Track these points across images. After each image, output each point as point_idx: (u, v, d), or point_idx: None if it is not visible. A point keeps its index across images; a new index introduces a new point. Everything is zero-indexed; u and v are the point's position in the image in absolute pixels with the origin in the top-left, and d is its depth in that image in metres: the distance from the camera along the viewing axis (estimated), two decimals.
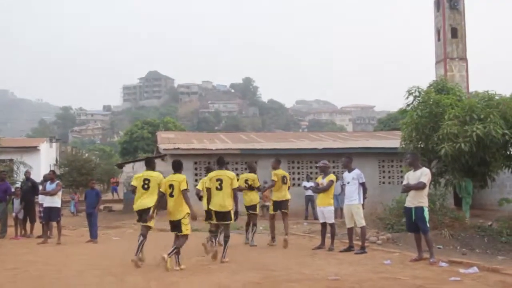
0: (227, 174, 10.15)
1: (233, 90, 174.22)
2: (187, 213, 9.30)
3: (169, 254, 8.98)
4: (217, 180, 10.01)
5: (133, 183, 10.23)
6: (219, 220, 10.23)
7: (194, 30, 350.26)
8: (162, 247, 10.77)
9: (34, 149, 41.60)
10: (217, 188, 9.97)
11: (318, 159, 23.90)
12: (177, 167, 9.64)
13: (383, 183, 24.06)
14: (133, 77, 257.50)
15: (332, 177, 11.66)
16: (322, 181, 11.68)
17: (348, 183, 11.18)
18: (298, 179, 23.55)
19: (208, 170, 11.28)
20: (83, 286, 7.64)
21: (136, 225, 19.79)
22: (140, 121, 64.59)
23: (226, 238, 9.97)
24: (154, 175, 10.09)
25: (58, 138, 57.09)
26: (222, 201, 9.90)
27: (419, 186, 9.39)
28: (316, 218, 20.71)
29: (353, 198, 10.98)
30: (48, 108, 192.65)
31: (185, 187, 9.25)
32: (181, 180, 9.27)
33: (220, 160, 10.58)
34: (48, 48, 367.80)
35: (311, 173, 23.30)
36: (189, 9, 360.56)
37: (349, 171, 11.23)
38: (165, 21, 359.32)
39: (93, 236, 14.20)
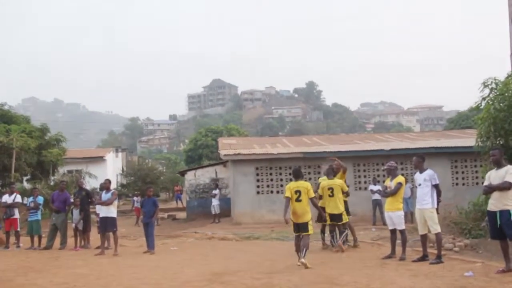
0: (304, 185, 10.44)
1: (296, 95, 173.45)
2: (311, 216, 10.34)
3: (304, 256, 9.81)
4: (296, 192, 10.36)
5: (286, 194, 10.55)
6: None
7: (255, 36, 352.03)
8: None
9: (100, 159, 42.46)
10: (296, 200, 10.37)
11: (385, 161, 22.57)
12: (299, 175, 10.60)
13: (457, 184, 22.43)
14: (198, 85, 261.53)
15: (400, 179, 10.60)
16: (390, 183, 10.64)
17: (419, 185, 10.06)
18: (365, 182, 22.39)
19: (295, 173, 10.85)
20: None
21: (197, 234, 19.41)
22: (204, 129, 64.77)
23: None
24: (304, 185, 10.48)
25: (124, 148, 58.16)
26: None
27: (505, 186, 8.19)
28: (384, 223, 19.65)
29: (425, 202, 9.85)
30: (117, 119, 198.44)
31: (313, 195, 10.42)
32: (308, 187, 10.31)
33: (296, 172, 10.77)
34: (114, 61, 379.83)
35: (378, 176, 22.06)
36: (249, 15, 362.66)
37: (421, 172, 10.12)
38: (226, 29, 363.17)
39: (150, 246, 13.69)
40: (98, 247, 14.15)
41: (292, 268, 9.80)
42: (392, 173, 10.72)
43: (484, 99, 15.25)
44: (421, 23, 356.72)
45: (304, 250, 10.00)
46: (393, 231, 10.66)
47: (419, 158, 10.29)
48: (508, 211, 8.16)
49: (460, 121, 52.32)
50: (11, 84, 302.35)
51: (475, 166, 22.22)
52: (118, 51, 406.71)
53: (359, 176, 22.51)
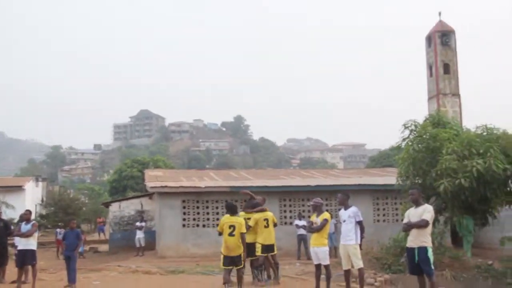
0: (238, 221, 10.95)
1: (224, 129, 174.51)
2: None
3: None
4: (230, 226, 10.78)
5: (219, 228, 11.06)
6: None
7: (184, 70, 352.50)
8: None
9: (19, 188, 40.69)
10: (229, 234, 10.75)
11: (310, 196, 23.08)
12: (234, 210, 11.15)
13: (378, 221, 23.21)
14: (124, 115, 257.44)
15: (326, 215, 10.89)
16: (316, 219, 10.90)
17: (344, 221, 10.40)
18: (290, 217, 22.71)
19: (231, 208, 11.33)
20: None
21: (120, 268, 18.93)
22: (129, 160, 63.73)
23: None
24: (238, 221, 10.93)
25: (44, 177, 56.04)
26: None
27: (422, 224, 8.66)
28: (309, 258, 19.98)
29: (349, 238, 10.19)
30: (39, 147, 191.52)
31: (245, 231, 10.88)
32: (242, 223, 10.85)
33: (231, 207, 11.30)
34: (39, 88, 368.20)
35: (303, 211, 22.49)
36: (178, 49, 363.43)
37: (345, 209, 10.48)
38: (156, 62, 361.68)
39: (71, 280, 13.19)
40: (13, 282, 13.48)
41: None
42: (318, 209, 10.99)
43: (404, 139, 16.11)
44: (346, 65, 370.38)
45: (241, 284, 10.92)
46: (318, 266, 10.87)
47: (344, 195, 10.66)
48: (425, 247, 8.62)
49: (381, 160, 54.46)
50: None
51: (395, 203, 23.10)
52: (43, 79, 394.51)
53: (285, 211, 22.83)
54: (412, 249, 8.81)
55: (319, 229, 10.73)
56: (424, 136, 15.24)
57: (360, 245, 10.31)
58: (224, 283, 10.73)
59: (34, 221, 13.49)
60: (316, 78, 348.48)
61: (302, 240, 20.71)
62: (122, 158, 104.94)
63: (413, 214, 8.98)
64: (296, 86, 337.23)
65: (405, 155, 15.27)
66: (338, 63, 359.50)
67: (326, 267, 10.75)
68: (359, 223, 10.29)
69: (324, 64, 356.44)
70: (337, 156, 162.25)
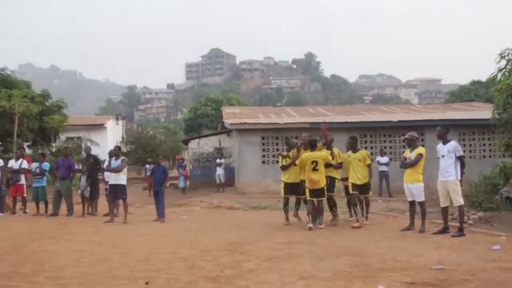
0: (321, 155, 11.11)
1: (295, 66, 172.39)
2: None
3: (321, 222, 11.21)
4: (313, 162, 10.93)
5: (299, 163, 11.24)
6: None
7: (255, 6, 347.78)
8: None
9: (101, 126, 42.10)
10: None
11: (392, 132, 22.49)
12: (314, 145, 11.23)
13: (464, 157, 22.26)
14: (196, 54, 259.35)
15: (421, 150, 10.33)
16: (410, 154, 10.37)
17: (442, 156, 9.80)
18: (371, 153, 22.11)
19: (312, 143, 11.36)
20: (150, 272, 6.78)
21: (203, 203, 19.25)
22: (203, 98, 64.27)
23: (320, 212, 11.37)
24: (321, 156, 11.08)
25: (124, 116, 57.71)
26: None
27: None
28: (390, 195, 19.57)
29: (449, 174, 9.62)
30: (114, 87, 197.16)
31: (331, 161, 11.35)
32: (324, 157, 11.05)
33: (312, 142, 11.31)
34: (112, 28, 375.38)
35: (385, 147, 21.90)
36: None
37: (444, 143, 9.87)
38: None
39: (160, 214, 13.50)
40: (106, 215, 13.96)
41: (310, 238, 9.64)
42: (412, 144, 10.45)
43: (500, 70, 14.92)
44: None
45: (320, 217, 11.27)
46: (412, 203, 10.45)
47: (443, 128, 10.03)
48: None
49: (461, 94, 51.96)
50: (7, 50, 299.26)
51: (483, 139, 22.11)
52: (115, 18, 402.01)
53: (366, 148, 22.22)
54: None
55: (413, 164, 10.23)
56: None
57: (461, 181, 9.74)
58: (308, 214, 11.03)
59: (123, 157, 13.72)
60: (389, 11, 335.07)
61: (384, 176, 20.31)
62: (195, 97, 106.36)
63: None
64: (367, 20, 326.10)
65: (503, 86, 14.17)
66: None
67: (421, 204, 10.29)
68: (460, 158, 9.71)
69: None
70: (411, 92, 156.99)
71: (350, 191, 11.53)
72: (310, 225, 10.80)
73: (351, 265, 6.98)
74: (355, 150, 11.77)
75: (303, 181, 11.42)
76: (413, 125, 21.19)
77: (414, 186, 10.29)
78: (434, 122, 21.75)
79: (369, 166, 11.62)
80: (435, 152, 10.18)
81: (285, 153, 12.20)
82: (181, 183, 27.06)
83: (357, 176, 11.40)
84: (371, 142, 22.51)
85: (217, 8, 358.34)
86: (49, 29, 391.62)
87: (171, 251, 8.41)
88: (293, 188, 11.85)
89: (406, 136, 10.63)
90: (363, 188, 11.46)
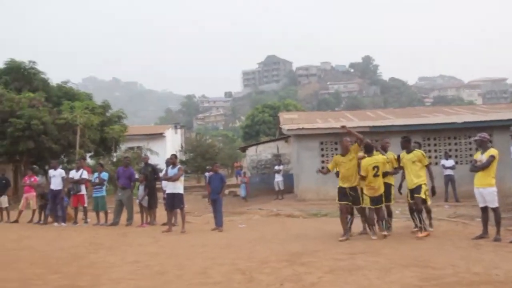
0: (380, 160, 10.50)
1: (352, 70, 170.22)
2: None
3: (384, 227, 10.45)
4: (374, 167, 10.33)
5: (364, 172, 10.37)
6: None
7: (311, 11, 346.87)
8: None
9: (160, 136, 42.68)
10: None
11: (457, 134, 21.50)
12: (371, 150, 10.52)
13: None
14: (252, 62, 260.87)
15: (493, 152, 9.58)
16: (481, 157, 9.67)
17: None
18: (435, 157, 21.26)
19: (368, 148, 10.63)
20: (207, 286, 6.49)
21: (262, 211, 18.93)
22: (260, 105, 64.38)
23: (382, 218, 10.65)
24: (381, 160, 10.50)
25: (182, 125, 58.40)
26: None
27: None
28: (457, 200, 18.65)
29: None
30: (173, 97, 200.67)
31: (388, 169, 10.67)
32: (384, 162, 10.49)
33: (368, 146, 10.62)
34: (170, 40, 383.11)
35: (449, 150, 20.94)
36: None
37: None
38: (281, 5, 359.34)
39: (218, 223, 13.27)
40: (164, 224, 13.85)
41: (375, 247, 9.10)
42: (483, 146, 9.74)
43: None
44: None
45: (383, 221, 10.55)
46: (484, 209, 9.69)
47: None
48: None
49: None
50: (72, 64, 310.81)
51: None
52: (173, 30, 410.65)
53: (429, 151, 21.38)
54: None
55: (485, 166, 9.52)
56: None
57: None
58: (370, 224, 10.57)
59: (180, 166, 13.59)
60: (447, 12, 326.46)
61: (450, 181, 19.45)
62: (252, 104, 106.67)
63: None
64: (425, 22, 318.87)
65: None
66: None
67: (495, 210, 9.55)
68: None
69: None
70: (475, 93, 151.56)
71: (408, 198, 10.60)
72: (374, 237, 10.22)
73: (421, 278, 6.45)
74: (409, 151, 10.59)
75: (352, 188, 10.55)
76: (480, 126, 20.13)
77: (486, 191, 9.57)
78: (504, 123, 20.69)
79: (427, 167, 10.51)
80: (506, 154, 9.46)
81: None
82: (242, 192, 26.82)
83: (412, 180, 10.40)
84: (434, 145, 21.57)
85: (272, 15, 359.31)
86: (111, 43, 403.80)
87: (228, 263, 8.12)
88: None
89: (476, 138, 9.91)
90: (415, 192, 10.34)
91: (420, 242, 9.56)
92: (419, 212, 10.27)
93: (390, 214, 11.10)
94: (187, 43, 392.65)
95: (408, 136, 11.07)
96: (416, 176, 10.30)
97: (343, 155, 10.64)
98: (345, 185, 10.51)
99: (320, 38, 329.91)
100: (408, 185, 10.49)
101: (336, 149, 21.49)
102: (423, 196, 10.30)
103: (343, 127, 10.82)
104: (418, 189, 10.25)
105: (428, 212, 11.03)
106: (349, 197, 10.48)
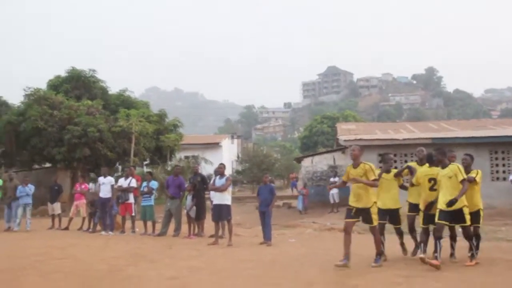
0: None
1: (415, 82, 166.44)
2: None
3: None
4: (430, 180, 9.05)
5: (415, 181, 9.32)
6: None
7: (373, 22, 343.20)
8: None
9: (216, 145, 42.59)
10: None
11: None
12: (432, 160, 9.13)
13: None
14: (312, 73, 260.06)
15: None
16: None
17: None
18: (504, 172, 19.92)
19: (428, 158, 9.33)
20: None
21: (315, 224, 18.16)
22: (319, 116, 63.57)
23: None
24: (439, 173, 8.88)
25: (239, 135, 58.35)
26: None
27: None
28: None
29: None
30: (233, 107, 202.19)
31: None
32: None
33: (429, 157, 9.33)
34: (230, 53, 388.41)
35: None
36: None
37: None
38: (342, 15, 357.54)
39: (267, 237, 12.65)
40: (212, 236, 13.35)
41: (433, 270, 8.18)
42: None
43: None
44: None
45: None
46: None
47: None
48: None
49: None
50: (136, 75, 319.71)
51: None
52: (235, 41, 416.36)
53: (497, 165, 20.10)
54: None
55: None
56: None
57: None
58: (421, 243, 9.04)
59: (227, 175, 13.07)
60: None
61: None
62: (311, 115, 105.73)
63: None
64: (493, 32, 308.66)
65: None
66: None
67: None
68: None
69: None
70: None
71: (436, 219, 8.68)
72: (422, 255, 8.67)
73: None
74: (444, 166, 8.81)
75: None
76: None
77: None
78: None
79: (462, 183, 8.48)
80: None
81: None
82: (299, 204, 25.91)
83: (446, 199, 8.45)
84: (503, 159, 20.22)
85: (332, 26, 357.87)
86: (173, 55, 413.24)
87: (271, 282, 7.49)
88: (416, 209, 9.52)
89: None
90: (458, 215, 8.52)
91: (488, 266, 8.54)
92: (438, 238, 8.55)
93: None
94: (248, 55, 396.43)
95: (441, 148, 9.29)
96: (452, 195, 8.45)
97: (354, 166, 9.10)
98: (356, 205, 8.94)
99: (383, 50, 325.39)
100: (439, 204, 8.64)
101: (395, 161, 20.50)
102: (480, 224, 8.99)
103: (354, 179, 8.98)
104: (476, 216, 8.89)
105: (475, 237, 9.05)
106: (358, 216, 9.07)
